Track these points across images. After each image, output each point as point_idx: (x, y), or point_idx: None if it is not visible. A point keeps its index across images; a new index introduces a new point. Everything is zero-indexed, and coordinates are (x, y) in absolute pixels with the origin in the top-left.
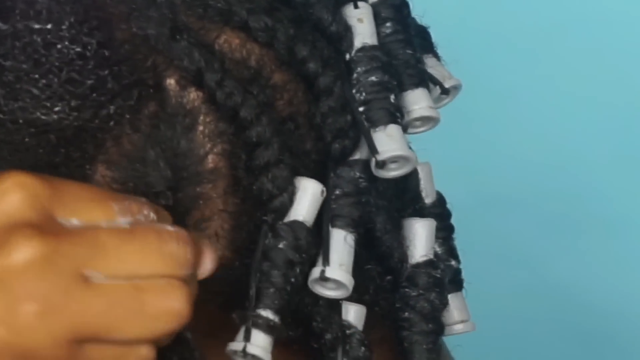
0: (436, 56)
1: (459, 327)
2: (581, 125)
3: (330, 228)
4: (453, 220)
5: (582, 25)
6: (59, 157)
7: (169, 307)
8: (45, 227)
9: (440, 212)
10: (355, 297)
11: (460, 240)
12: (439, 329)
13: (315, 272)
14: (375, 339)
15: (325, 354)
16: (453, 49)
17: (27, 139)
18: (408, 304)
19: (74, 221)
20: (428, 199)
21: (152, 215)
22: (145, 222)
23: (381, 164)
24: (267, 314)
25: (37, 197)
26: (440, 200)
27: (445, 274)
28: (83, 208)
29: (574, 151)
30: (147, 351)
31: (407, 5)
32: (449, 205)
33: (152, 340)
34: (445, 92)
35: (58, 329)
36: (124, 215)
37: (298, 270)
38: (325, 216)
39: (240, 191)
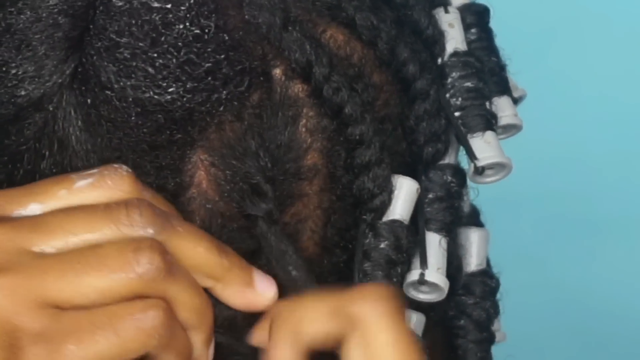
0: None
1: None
2: (582, 125)
3: (425, 231)
4: None
5: (582, 25)
6: (161, 139)
7: (130, 259)
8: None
9: (477, 221)
10: (414, 303)
11: None
12: (491, 337)
13: (414, 275)
14: (426, 344)
15: None
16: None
17: (133, 118)
18: (464, 312)
19: (34, 207)
20: (465, 208)
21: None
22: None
23: (480, 171)
24: None
25: None
26: (475, 210)
27: (498, 284)
28: (35, 197)
29: (575, 151)
30: (158, 301)
31: (488, 12)
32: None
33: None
34: (514, 101)
35: (21, 298)
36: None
37: (399, 269)
38: (420, 219)
39: (337, 189)
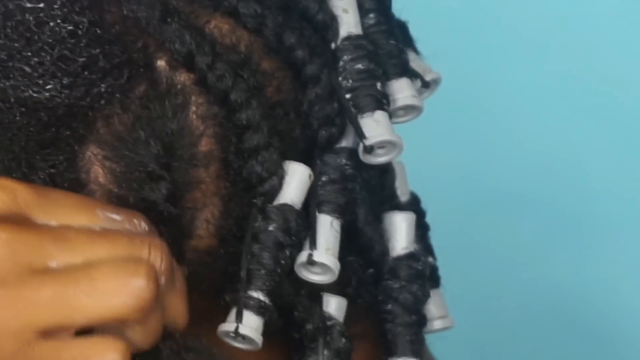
0: (415, 50)
1: (438, 323)
2: (582, 125)
3: (317, 213)
4: (453, 220)
5: (582, 25)
6: (49, 136)
7: (125, 284)
8: (16, 221)
9: (415, 210)
10: (337, 289)
11: (460, 240)
12: (421, 320)
13: (303, 255)
14: (358, 333)
15: (305, 344)
16: (453, 48)
17: (17, 118)
18: (390, 296)
19: (52, 223)
20: (403, 197)
21: (144, 225)
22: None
23: (369, 149)
24: (258, 295)
25: (14, 198)
26: (414, 199)
27: (426, 267)
28: (64, 213)
29: (575, 151)
30: (117, 343)
31: None
32: (450, 205)
33: (114, 319)
34: (425, 85)
35: (11, 315)
36: (107, 223)
37: (288, 252)
38: (312, 201)
39: (230, 175)
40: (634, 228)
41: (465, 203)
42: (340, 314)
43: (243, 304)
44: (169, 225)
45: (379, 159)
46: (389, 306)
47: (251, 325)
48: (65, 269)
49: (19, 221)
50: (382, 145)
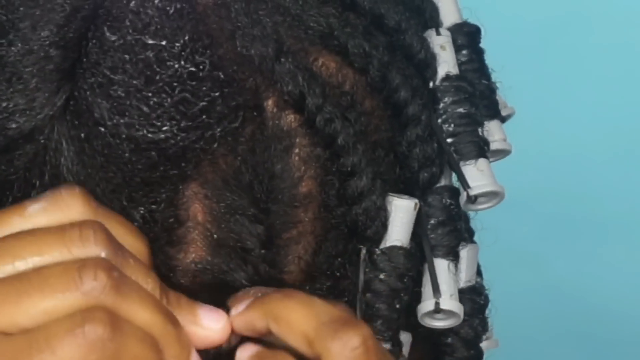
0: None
1: (483, 344)
2: (582, 125)
3: (433, 259)
4: None
5: (582, 25)
6: (155, 175)
7: (74, 277)
8: None
9: (467, 229)
10: (403, 321)
11: None
12: (479, 355)
13: (429, 305)
14: None
15: None
16: None
17: (126, 154)
18: (452, 330)
19: None
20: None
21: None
22: None
23: (473, 199)
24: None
25: None
26: (468, 226)
27: (487, 300)
28: None
29: (575, 151)
30: None
31: (480, 32)
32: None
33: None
34: (502, 121)
35: None
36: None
37: (402, 295)
38: (426, 247)
39: (330, 217)
40: (633, 229)
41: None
42: (407, 348)
43: None
44: (257, 264)
45: (479, 206)
46: (449, 339)
47: None
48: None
49: None
50: (484, 194)
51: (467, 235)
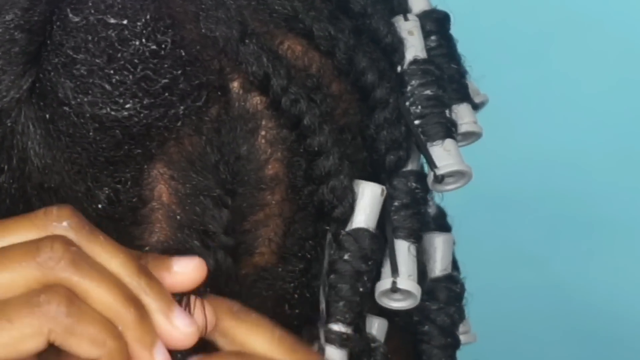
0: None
1: (461, 338)
2: (582, 125)
3: (394, 239)
4: (455, 220)
5: (582, 26)
6: (120, 154)
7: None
8: None
9: (442, 224)
10: (377, 309)
11: (460, 241)
12: (456, 342)
13: (386, 283)
14: (390, 350)
15: None
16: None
17: (90, 133)
18: (428, 317)
19: None
20: (430, 210)
21: None
22: None
23: (440, 179)
24: (339, 327)
25: None
26: (441, 212)
27: (463, 289)
28: None
29: (576, 151)
30: None
31: (449, 19)
32: (450, 206)
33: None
34: (474, 107)
35: None
36: None
37: (366, 278)
38: (388, 228)
39: (297, 198)
40: (635, 229)
41: (465, 204)
42: (382, 334)
43: (325, 338)
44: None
45: (447, 187)
46: (426, 327)
47: (335, 359)
48: None
49: None
50: (451, 174)
51: (439, 227)
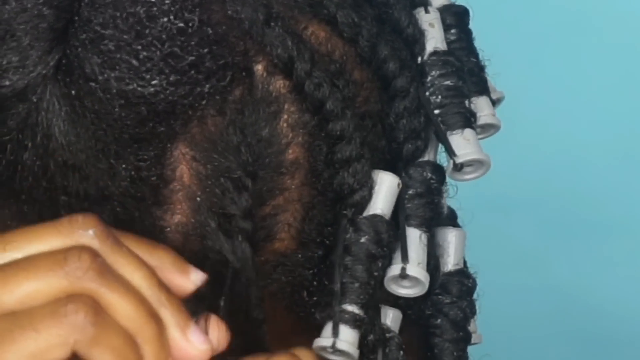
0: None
1: None
2: (582, 126)
3: (406, 227)
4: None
5: (582, 26)
6: (144, 131)
7: (62, 321)
8: None
9: (454, 223)
10: (391, 301)
11: None
12: (467, 337)
13: (395, 269)
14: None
15: (365, 354)
16: None
17: (116, 109)
18: (441, 311)
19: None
20: (443, 208)
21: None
22: None
23: (459, 167)
24: (353, 308)
25: None
26: (452, 213)
27: (475, 284)
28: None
29: (576, 152)
30: None
31: (468, 13)
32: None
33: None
34: (492, 103)
35: None
36: None
37: (380, 264)
38: (401, 215)
39: (317, 183)
40: (634, 230)
41: (464, 205)
42: (396, 326)
43: (339, 318)
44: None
45: (466, 176)
46: (438, 321)
47: (348, 339)
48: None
49: None
50: (470, 163)
51: (451, 223)
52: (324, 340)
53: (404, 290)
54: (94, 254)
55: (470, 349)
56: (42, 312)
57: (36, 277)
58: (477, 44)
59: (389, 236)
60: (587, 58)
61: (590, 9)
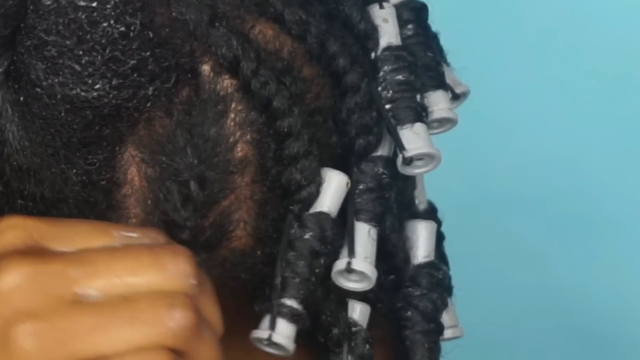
0: (445, 62)
1: (448, 332)
2: (581, 125)
3: (354, 221)
4: (456, 220)
5: (583, 26)
6: (91, 135)
7: (165, 315)
8: (34, 253)
9: (432, 219)
10: (359, 295)
11: (462, 240)
12: (439, 328)
13: (341, 263)
14: (375, 337)
15: (330, 349)
16: (456, 47)
17: (62, 114)
18: (411, 303)
19: (70, 249)
20: (421, 205)
21: (162, 239)
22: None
23: (408, 161)
24: (292, 303)
25: (27, 233)
26: (432, 207)
27: (445, 276)
28: (80, 238)
29: (576, 151)
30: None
31: (426, 9)
32: (451, 206)
33: (161, 346)
34: (455, 97)
35: (54, 348)
36: (125, 241)
37: (322, 261)
38: (349, 209)
39: (267, 180)
40: (634, 229)
41: (465, 204)
42: (364, 319)
43: (277, 312)
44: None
45: (416, 170)
46: (409, 313)
47: (284, 333)
48: (100, 297)
49: (37, 253)
50: (420, 157)
51: (430, 217)
52: (261, 332)
53: (352, 284)
54: (195, 309)
55: (467, 346)
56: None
57: (139, 331)
58: (479, 43)
59: (334, 233)
60: (587, 57)
61: (590, 9)
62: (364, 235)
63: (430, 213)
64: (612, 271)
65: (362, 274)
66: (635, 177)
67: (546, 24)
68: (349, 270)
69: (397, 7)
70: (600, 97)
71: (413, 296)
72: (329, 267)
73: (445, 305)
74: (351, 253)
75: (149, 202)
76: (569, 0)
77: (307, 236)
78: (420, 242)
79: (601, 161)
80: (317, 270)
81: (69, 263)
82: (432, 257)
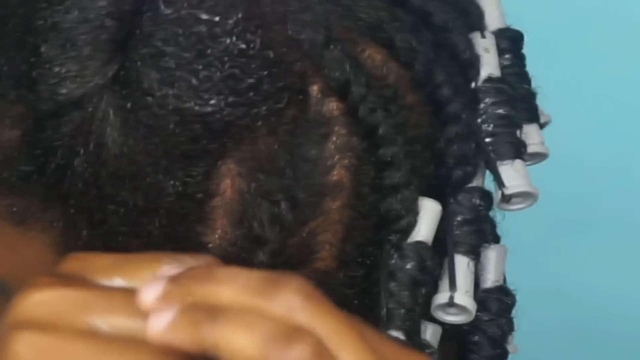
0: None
1: None
2: (581, 125)
3: (454, 254)
4: None
5: (583, 26)
6: (196, 148)
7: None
8: (69, 280)
9: (494, 235)
10: (430, 316)
11: None
12: (505, 353)
13: (443, 297)
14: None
15: None
16: None
17: (171, 126)
18: (479, 328)
19: (118, 281)
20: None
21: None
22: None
23: (507, 199)
24: (398, 334)
25: (79, 265)
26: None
27: (514, 301)
28: (126, 271)
29: (574, 151)
30: None
31: (523, 38)
32: None
33: None
34: (540, 127)
35: None
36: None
37: (424, 291)
38: (449, 242)
39: (360, 206)
40: (634, 229)
41: None
42: (435, 341)
43: None
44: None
45: (513, 207)
46: (476, 337)
47: None
48: (108, 332)
49: (72, 280)
50: (519, 195)
51: (492, 238)
52: None
53: (451, 317)
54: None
55: None
56: None
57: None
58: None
59: (433, 263)
60: (587, 57)
61: (590, 9)
62: (464, 268)
63: (496, 235)
64: (612, 271)
65: (462, 308)
66: (635, 177)
67: (547, 24)
68: (450, 304)
69: (495, 35)
70: (601, 97)
71: (482, 321)
72: (428, 298)
73: (512, 330)
74: (452, 287)
75: (237, 214)
76: (569, 0)
77: (408, 266)
78: (491, 266)
79: (601, 161)
80: (420, 301)
81: (90, 294)
82: (501, 282)
